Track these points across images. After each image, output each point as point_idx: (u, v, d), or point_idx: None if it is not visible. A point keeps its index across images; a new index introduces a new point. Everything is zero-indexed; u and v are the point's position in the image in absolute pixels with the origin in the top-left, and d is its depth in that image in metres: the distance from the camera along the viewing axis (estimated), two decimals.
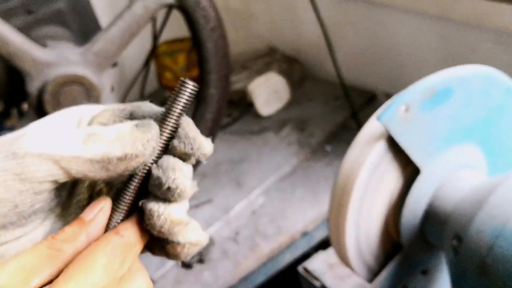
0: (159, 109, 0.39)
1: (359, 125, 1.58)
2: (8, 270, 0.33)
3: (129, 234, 0.37)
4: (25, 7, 1.12)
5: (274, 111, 1.73)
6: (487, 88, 0.65)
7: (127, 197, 0.38)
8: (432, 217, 0.65)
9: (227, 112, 1.71)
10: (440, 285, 0.74)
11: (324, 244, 1.27)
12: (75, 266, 0.34)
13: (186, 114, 0.38)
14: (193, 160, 0.38)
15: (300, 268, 1.01)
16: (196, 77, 1.15)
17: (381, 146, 0.62)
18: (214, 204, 1.40)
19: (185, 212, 0.38)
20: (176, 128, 0.37)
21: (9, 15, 1.09)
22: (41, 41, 1.04)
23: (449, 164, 0.66)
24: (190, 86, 0.37)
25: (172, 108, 0.37)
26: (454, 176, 0.66)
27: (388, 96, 1.63)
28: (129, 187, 0.38)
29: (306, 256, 1.24)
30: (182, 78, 0.37)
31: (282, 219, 1.33)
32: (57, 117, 0.39)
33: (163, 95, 1.94)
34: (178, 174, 0.36)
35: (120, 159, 0.35)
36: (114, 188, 0.40)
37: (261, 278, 1.26)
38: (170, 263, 1.24)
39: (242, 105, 1.75)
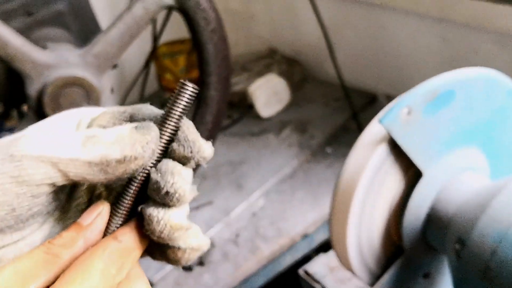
0: (160, 112, 0.38)
1: (359, 126, 1.57)
2: (4, 275, 0.32)
3: (128, 240, 0.36)
4: (24, 9, 1.12)
5: (274, 113, 1.73)
6: (489, 91, 0.65)
7: (126, 202, 0.37)
8: (434, 221, 0.65)
9: (227, 113, 1.71)
10: None
11: (324, 247, 1.27)
12: (72, 271, 0.33)
13: (186, 116, 0.38)
14: (192, 164, 0.37)
15: (300, 271, 1.01)
16: (196, 78, 1.15)
17: (383, 149, 0.62)
18: (214, 206, 1.39)
19: (185, 217, 0.37)
20: (176, 130, 0.37)
21: (9, 16, 1.09)
22: (40, 43, 1.03)
23: (451, 167, 0.65)
24: (190, 88, 0.37)
25: (171, 111, 0.36)
26: (457, 179, 0.65)
27: (389, 97, 1.63)
28: (128, 191, 0.37)
29: (306, 258, 1.24)
30: (182, 80, 0.37)
31: (282, 221, 1.32)
32: (56, 119, 0.38)
33: (163, 97, 1.94)
34: (177, 178, 0.36)
35: (119, 161, 0.34)
36: (114, 192, 0.40)
37: (261, 281, 1.25)
38: (170, 265, 1.23)
39: (242, 106, 1.75)
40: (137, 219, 0.38)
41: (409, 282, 0.71)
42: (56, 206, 0.37)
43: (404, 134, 0.60)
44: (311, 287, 0.99)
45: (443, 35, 1.42)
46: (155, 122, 0.37)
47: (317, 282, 0.99)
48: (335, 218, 0.65)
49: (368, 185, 0.62)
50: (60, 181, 0.34)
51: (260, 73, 1.78)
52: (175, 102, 0.36)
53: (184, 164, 0.37)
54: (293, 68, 1.85)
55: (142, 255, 0.39)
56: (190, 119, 0.38)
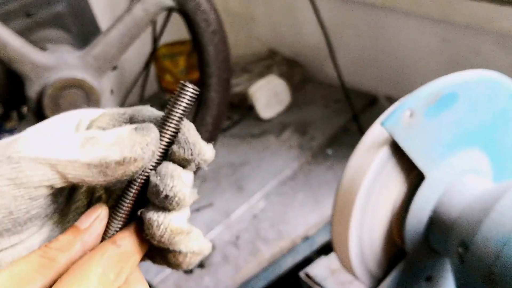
0: (160, 113, 0.38)
1: (360, 128, 1.57)
2: (0, 280, 0.32)
3: (127, 244, 0.36)
4: (24, 10, 1.11)
5: (274, 114, 1.73)
6: (492, 93, 0.65)
7: (125, 205, 0.37)
8: (437, 224, 0.64)
9: (227, 115, 1.71)
10: None
11: (325, 249, 1.26)
12: (69, 276, 0.33)
13: (187, 118, 0.37)
14: (193, 166, 0.37)
15: (301, 274, 1.01)
16: (197, 80, 1.15)
17: (385, 151, 0.61)
18: (214, 208, 1.39)
19: (186, 220, 0.37)
20: (177, 132, 0.36)
21: (8, 18, 1.08)
22: (40, 45, 1.03)
23: (454, 169, 0.65)
24: (191, 90, 0.36)
25: (172, 112, 0.36)
26: (459, 181, 0.65)
27: (389, 98, 1.63)
28: (128, 194, 0.36)
29: (307, 261, 1.23)
30: (182, 81, 0.36)
31: (283, 223, 1.32)
32: (55, 121, 0.38)
33: (163, 98, 1.94)
34: (176, 181, 0.35)
35: (118, 163, 0.34)
36: (114, 195, 0.39)
37: (261, 283, 1.25)
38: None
39: (243, 108, 1.75)
40: (137, 223, 0.37)
41: (411, 286, 0.70)
42: (55, 209, 0.37)
43: (406, 137, 0.60)
44: None
45: (444, 37, 1.42)
46: (155, 124, 0.36)
47: (318, 284, 0.98)
48: (337, 220, 0.64)
49: (370, 188, 0.62)
50: (58, 183, 0.34)
51: (260, 75, 1.78)
52: (175, 103, 0.36)
53: (184, 166, 0.36)
54: (293, 70, 1.85)
55: (143, 259, 0.38)
56: (190, 121, 0.37)
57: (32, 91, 0.96)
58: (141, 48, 1.76)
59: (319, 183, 1.42)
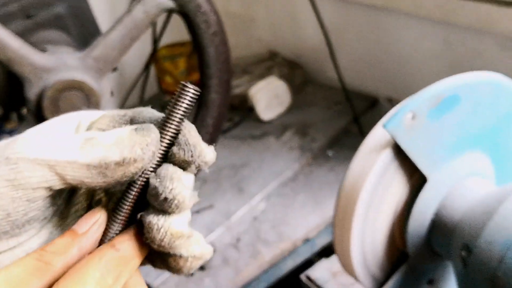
0: (161, 115, 0.37)
1: (361, 130, 1.57)
2: None
3: (126, 248, 0.35)
4: (24, 12, 1.11)
5: (275, 116, 1.72)
6: (495, 95, 0.64)
7: (125, 208, 0.36)
8: (439, 227, 0.64)
9: (228, 116, 1.70)
10: None
11: (326, 251, 1.26)
12: (66, 280, 0.32)
13: (187, 119, 0.37)
14: (193, 168, 0.36)
15: (302, 276, 1.00)
16: (197, 81, 1.14)
17: (387, 154, 0.61)
18: (215, 210, 1.38)
19: (186, 224, 0.36)
20: (177, 134, 0.36)
21: (8, 19, 1.08)
22: (40, 46, 1.03)
23: (456, 172, 0.65)
24: (192, 90, 0.35)
25: (172, 113, 0.35)
26: (462, 184, 0.65)
27: (390, 100, 1.62)
28: (128, 197, 0.36)
29: (308, 263, 1.23)
30: (183, 82, 0.36)
31: (283, 225, 1.31)
32: (55, 122, 0.38)
33: (163, 100, 1.93)
34: (176, 184, 0.34)
35: (118, 164, 0.33)
36: (114, 197, 0.39)
37: (262, 286, 1.24)
38: None
39: (243, 109, 1.74)
40: (136, 226, 0.37)
41: None
42: (54, 212, 0.36)
43: (409, 139, 0.60)
44: None
45: (446, 38, 1.41)
46: (155, 125, 0.36)
47: (319, 287, 0.98)
48: (339, 223, 0.64)
49: (372, 190, 0.62)
50: (57, 184, 0.33)
51: (261, 76, 1.78)
52: (176, 104, 0.35)
53: (185, 169, 0.36)
54: (294, 71, 1.84)
55: (143, 263, 0.38)
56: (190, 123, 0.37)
57: (32, 93, 0.95)
58: (141, 49, 1.76)
59: (320, 185, 1.42)
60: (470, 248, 0.57)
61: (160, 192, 0.34)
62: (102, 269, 0.33)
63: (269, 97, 1.71)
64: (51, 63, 0.96)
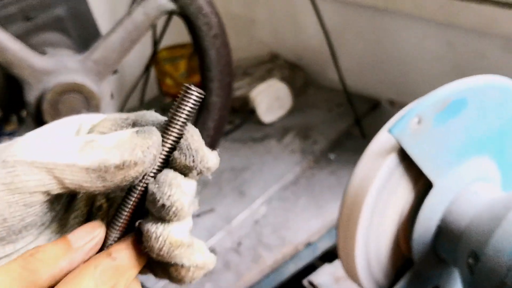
0: (164, 119, 0.36)
1: (362, 132, 1.56)
2: None
3: (123, 257, 0.34)
4: (23, 14, 1.10)
5: (276, 118, 1.72)
6: (502, 99, 0.64)
7: (124, 214, 0.35)
8: (446, 233, 0.63)
9: (229, 119, 1.69)
10: None
11: (328, 255, 1.25)
12: None
13: (190, 123, 0.35)
14: (195, 174, 0.35)
15: (305, 282, 0.99)
16: (198, 84, 1.14)
17: (393, 159, 0.60)
18: (216, 214, 1.37)
19: (187, 232, 0.35)
20: (180, 137, 0.35)
21: (7, 21, 1.07)
22: (40, 49, 1.02)
23: (462, 177, 0.64)
24: (195, 93, 0.34)
25: (175, 116, 0.34)
26: (468, 190, 0.64)
27: (392, 103, 1.62)
28: (127, 203, 0.35)
29: (310, 267, 1.22)
30: (186, 84, 0.34)
31: (285, 229, 1.30)
32: (55, 126, 0.37)
33: (163, 102, 1.92)
34: (174, 190, 0.33)
35: (117, 167, 0.32)
36: (116, 204, 0.37)
37: None
38: None
39: (244, 112, 1.74)
40: (135, 234, 0.35)
41: None
42: (52, 218, 0.35)
43: (414, 144, 0.59)
44: None
45: (449, 40, 1.41)
46: (157, 128, 0.35)
47: None
48: (343, 228, 0.63)
49: (377, 196, 0.61)
50: (55, 189, 0.32)
51: (262, 78, 1.77)
52: (179, 107, 0.34)
53: (186, 174, 0.35)
54: (295, 73, 1.84)
55: (144, 272, 0.37)
56: None
57: (31, 96, 0.95)
58: (141, 51, 1.75)
59: (322, 188, 1.41)
60: (478, 255, 0.56)
61: (158, 198, 0.33)
62: (97, 279, 0.32)
63: (270, 99, 1.70)
64: (51, 66, 0.95)
